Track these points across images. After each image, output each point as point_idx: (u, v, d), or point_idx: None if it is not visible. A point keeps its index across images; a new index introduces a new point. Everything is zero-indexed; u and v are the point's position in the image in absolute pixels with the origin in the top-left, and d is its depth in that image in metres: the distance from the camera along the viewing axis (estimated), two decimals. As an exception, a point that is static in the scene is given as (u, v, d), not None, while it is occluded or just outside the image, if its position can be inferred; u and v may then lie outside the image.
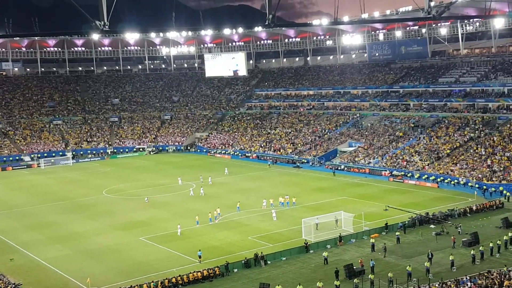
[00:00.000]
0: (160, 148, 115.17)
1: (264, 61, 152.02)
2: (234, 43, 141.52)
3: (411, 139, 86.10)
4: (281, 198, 60.92)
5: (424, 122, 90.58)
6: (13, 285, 37.39)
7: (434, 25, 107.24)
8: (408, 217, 51.26)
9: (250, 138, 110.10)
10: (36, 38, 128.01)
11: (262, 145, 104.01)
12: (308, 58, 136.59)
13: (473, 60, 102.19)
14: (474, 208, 54.51)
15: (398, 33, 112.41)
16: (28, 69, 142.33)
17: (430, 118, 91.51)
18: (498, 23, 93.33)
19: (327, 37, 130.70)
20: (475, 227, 48.36)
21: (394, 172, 76.31)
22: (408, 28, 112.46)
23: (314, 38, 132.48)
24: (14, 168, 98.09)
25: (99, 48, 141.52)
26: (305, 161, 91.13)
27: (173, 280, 37.94)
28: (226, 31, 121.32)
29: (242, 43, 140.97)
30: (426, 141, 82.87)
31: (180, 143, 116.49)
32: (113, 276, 40.13)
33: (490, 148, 73.76)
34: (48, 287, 38.74)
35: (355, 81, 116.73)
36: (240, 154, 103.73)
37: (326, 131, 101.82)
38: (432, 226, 49.76)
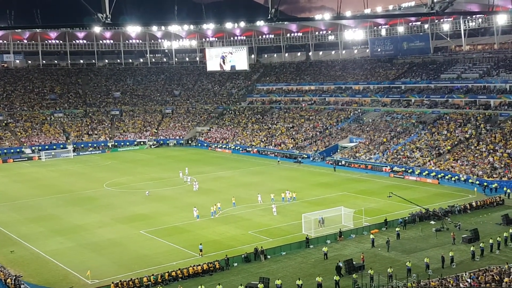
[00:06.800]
0: (161, 141, 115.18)
1: (265, 55, 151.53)
2: (236, 37, 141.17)
3: (412, 135, 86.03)
4: (282, 194, 60.97)
5: (426, 118, 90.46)
6: (13, 277, 37.52)
7: (436, 21, 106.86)
8: (408, 213, 51.34)
9: (251, 133, 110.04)
10: (37, 30, 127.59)
11: (263, 140, 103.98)
12: (310, 53, 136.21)
13: (475, 57, 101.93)
14: (475, 204, 54.57)
15: (401, 29, 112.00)
16: (29, 61, 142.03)
17: (432, 114, 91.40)
18: (501, 20, 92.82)
19: (329, 32, 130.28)
20: (475, 223, 48.41)
21: (395, 168, 76.31)
22: (410, 23, 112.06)
23: (316, 33, 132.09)
24: (15, 160, 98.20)
25: (101, 41, 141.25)
26: (306, 156, 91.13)
27: (173, 273, 38.07)
28: (228, 25, 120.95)
29: (244, 37, 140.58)
30: (427, 137, 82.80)
31: (181, 137, 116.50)
32: (113, 269, 40.23)
33: (491, 145, 73.71)
34: (48, 279, 38.82)
35: (356, 77, 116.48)
36: (240, 149, 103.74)
37: (327, 126, 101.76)
38: (432, 222, 49.83)
